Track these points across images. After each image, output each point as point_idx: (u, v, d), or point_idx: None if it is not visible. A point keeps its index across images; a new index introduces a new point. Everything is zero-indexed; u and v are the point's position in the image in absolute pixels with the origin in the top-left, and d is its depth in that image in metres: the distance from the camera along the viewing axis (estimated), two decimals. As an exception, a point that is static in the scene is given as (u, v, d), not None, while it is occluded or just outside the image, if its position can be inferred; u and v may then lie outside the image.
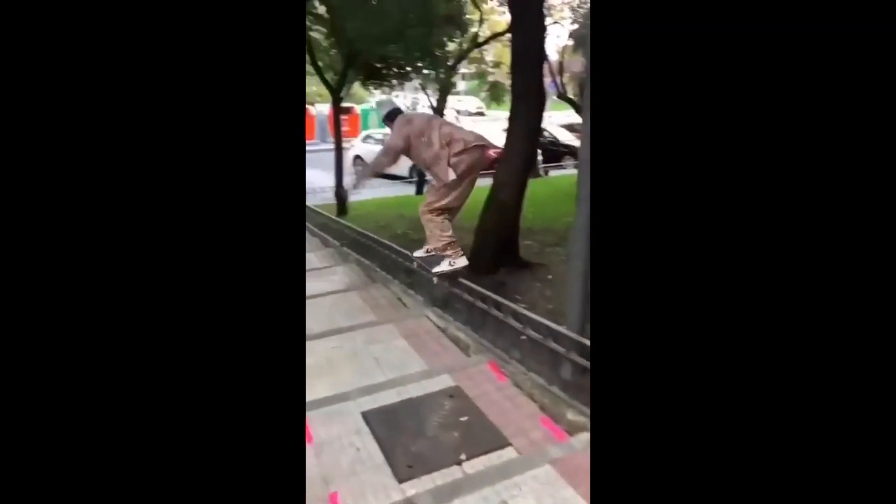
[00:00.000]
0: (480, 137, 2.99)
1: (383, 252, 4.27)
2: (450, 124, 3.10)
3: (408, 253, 3.88)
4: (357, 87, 9.70)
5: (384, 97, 4.10)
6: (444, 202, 2.93)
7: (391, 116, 3.14)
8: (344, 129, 8.85)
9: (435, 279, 3.10)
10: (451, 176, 2.88)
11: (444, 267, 3.00)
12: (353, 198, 8.32)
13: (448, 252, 2.94)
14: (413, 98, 11.90)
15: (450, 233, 2.92)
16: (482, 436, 2.17)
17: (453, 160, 2.89)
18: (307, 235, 6.60)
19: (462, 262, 3.02)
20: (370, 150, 13.37)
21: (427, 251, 3.01)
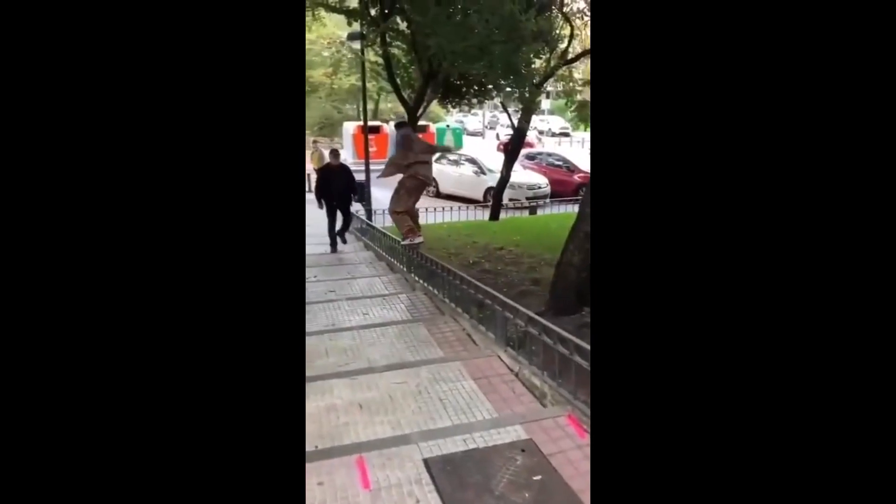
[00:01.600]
0: (428, 175, 5.31)
1: (452, 282, 4.32)
2: (422, 158, 5.21)
3: (480, 285, 3.89)
4: (434, 105, 10.01)
5: (400, 120, 6.24)
6: (399, 209, 5.17)
7: (399, 126, 5.63)
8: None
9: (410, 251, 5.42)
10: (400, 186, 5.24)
11: (406, 242, 5.28)
12: (423, 221, 8.46)
13: (409, 235, 5.21)
14: (491, 116, 12.08)
15: (409, 223, 5.21)
16: (557, 500, 2.09)
17: (408, 183, 5.12)
18: (374, 259, 6.82)
19: (418, 239, 5.24)
20: (443, 171, 13.66)
21: (403, 237, 5.34)
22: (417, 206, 5.78)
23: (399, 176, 5.18)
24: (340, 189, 7.43)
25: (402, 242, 5.37)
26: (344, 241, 7.79)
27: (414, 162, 5.11)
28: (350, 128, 18.31)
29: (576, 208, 4.47)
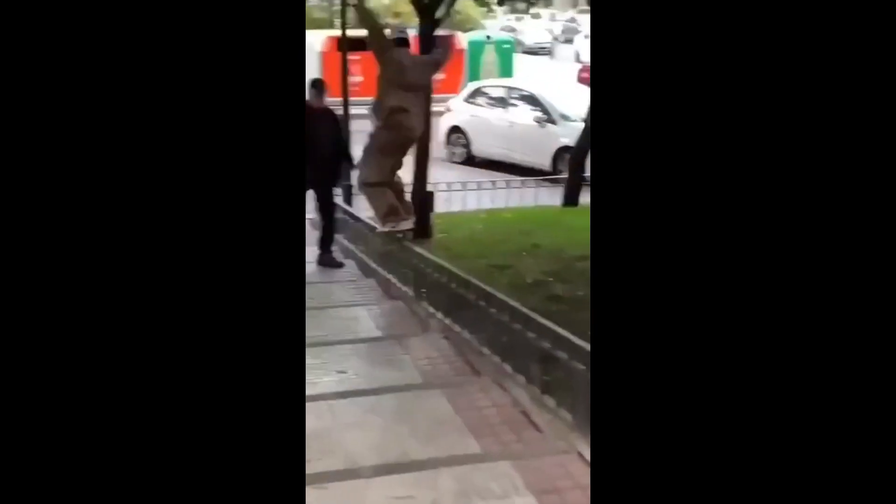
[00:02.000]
0: (413, 128, 5.67)
1: (497, 317, 4.26)
2: (409, 101, 5.55)
3: (546, 323, 3.80)
4: (466, 3, 9.88)
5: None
6: (373, 179, 5.63)
7: (399, 43, 5.82)
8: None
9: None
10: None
11: (385, 228, 5.70)
12: (443, 208, 8.33)
13: (390, 218, 5.54)
14: (567, 21, 11.89)
15: (391, 201, 5.48)
16: None
17: (382, 137, 5.55)
18: (357, 273, 6.90)
19: (404, 224, 5.63)
20: (480, 116, 13.45)
21: (381, 221, 5.81)
22: (429, 182, 5.90)
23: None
24: (325, 148, 6.65)
25: (379, 229, 5.87)
26: (336, 265, 7.18)
27: (396, 106, 5.28)
28: (317, 41, 17.59)
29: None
